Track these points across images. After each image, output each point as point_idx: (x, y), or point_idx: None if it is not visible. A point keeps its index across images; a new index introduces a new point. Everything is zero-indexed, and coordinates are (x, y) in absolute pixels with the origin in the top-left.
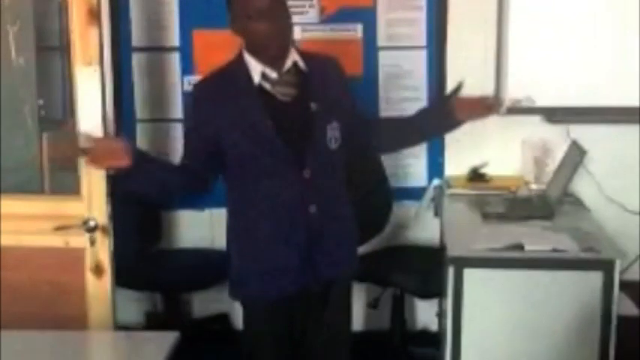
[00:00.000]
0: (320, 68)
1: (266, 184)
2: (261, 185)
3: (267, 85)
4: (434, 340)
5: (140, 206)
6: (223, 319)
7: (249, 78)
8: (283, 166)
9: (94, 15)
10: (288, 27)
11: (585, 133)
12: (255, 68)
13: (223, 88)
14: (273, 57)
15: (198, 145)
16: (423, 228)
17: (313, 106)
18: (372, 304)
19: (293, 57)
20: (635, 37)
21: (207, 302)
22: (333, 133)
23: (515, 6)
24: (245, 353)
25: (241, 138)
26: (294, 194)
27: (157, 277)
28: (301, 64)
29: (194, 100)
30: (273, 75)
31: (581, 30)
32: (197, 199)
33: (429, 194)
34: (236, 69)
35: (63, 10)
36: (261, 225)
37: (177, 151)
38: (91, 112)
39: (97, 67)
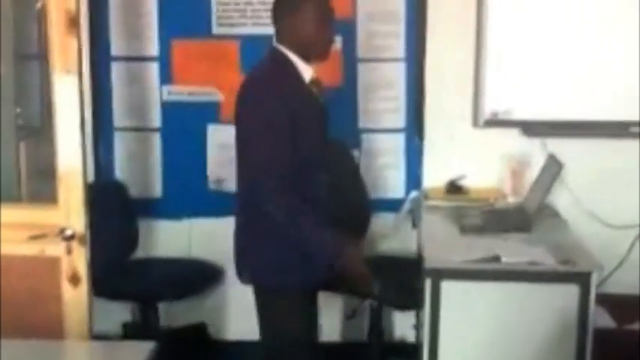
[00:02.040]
0: None
1: (309, 180)
2: (305, 181)
3: (313, 88)
4: (411, 351)
5: (118, 215)
6: (201, 328)
7: (301, 79)
8: (320, 164)
9: (73, 24)
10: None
11: (562, 147)
12: (306, 70)
13: (284, 86)
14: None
15: (288, 145)
16: (401, 239)
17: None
18: (350, 315)
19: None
20: (610, 52)
21: (185, 312)
22: None
23: (494, 20)
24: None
25: (302, 135)
26: (322, 189)
27: (135, 287)
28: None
29: (268, 101)
30: (313, 75)
31: (559, 45)
32: (176, 209)
33: (407, 206)
34: (287, 70)
35: (42, 19)
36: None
37: (154, 160)
38: (69, 121)
39: (75, 76)
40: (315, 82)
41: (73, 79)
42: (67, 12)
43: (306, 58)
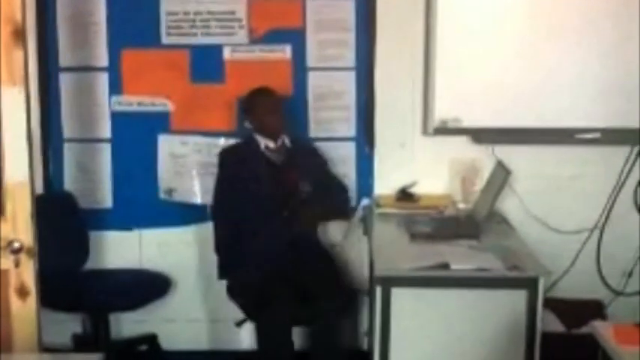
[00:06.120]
0: (302, 148)
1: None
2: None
3: (267, 153)
4: (363, 359)
5: (68, 226)
6: (152, 339)
7: (258, 147)
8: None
9: (19, 35)
10: (282, 118)
11: (511, 154)
12: (262, 141)
13: (241, 152)
14: (273, 135)
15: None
16: (353, 247)
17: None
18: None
19: (283, 138)
20: (556, 60)
21: (135, 322)
22: (303, 188)
23: (442, 29)
24: None
25: (248, 186)
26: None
27: (85, 298)
28: (287, 142)
29: (222, 160)
30: (271, 145)
31: (507, 53)
32: (126, 219)
33: (359, 213)
34: (250, 142)
35: None
36: None
37: (104, 171)
38: (15, 133)
39: (21, 89)
40: (271, 148)
41: (20, 91)
42: (13, 23)
43: (265, 135)
